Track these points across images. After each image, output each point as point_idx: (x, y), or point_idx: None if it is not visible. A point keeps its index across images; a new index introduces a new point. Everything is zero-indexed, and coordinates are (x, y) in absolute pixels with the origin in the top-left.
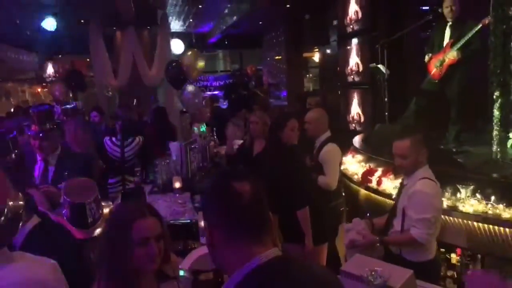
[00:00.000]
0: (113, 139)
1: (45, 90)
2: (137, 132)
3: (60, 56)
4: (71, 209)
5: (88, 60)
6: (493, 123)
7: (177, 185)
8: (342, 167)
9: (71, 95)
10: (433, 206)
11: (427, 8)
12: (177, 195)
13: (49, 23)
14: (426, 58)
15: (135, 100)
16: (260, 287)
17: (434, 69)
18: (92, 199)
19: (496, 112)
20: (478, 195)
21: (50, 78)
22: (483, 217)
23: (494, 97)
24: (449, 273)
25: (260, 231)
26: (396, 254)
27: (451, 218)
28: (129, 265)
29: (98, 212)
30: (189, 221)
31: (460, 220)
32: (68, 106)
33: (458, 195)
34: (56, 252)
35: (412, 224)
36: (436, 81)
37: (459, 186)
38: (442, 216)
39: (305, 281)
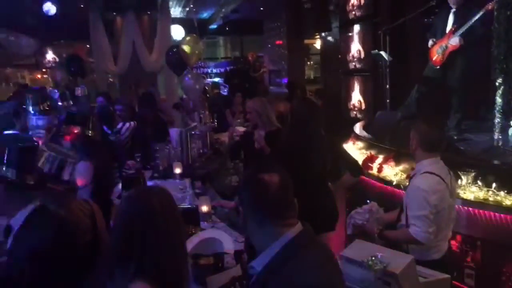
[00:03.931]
0: (104, 127)
1: (44, 76)
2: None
3: (60, 41)
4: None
5: (88, 46)
6: (495, 111)
7: (178, 171)
8: None
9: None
10: (428, 202)
11: None
12: (178, 181)
13: (49, 8)
14: (430, 43)
15: (133, 86)
16: (290, 260)
17: (435, 56)
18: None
19: (498, 100)
20: (479, 182)
21: (50, 64)
22: (484, 204)
23: (497, 84)
24: None
25: (286, 214)
26: (403, 250)
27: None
28: None
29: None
30: (189, 206)
31: (461, 206)
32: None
33: (459, 182)
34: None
35: (411, 222)
36: (438, 67)
37: (460, 173)
38: None
39: (324, 254)
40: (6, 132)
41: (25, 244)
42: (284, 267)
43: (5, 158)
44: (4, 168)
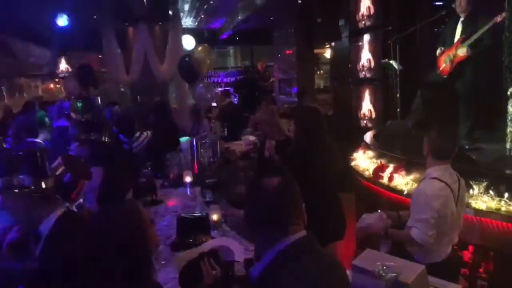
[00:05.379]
0: (120, 136)
1: (57, 86)
2: (146, 127)
3: (73, 52)
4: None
5: (100, 56)
6: (507, 120)
7: (188, 179)
8: (352, 163)
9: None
10: (431, 207)
11: (441, 3)
12: (188, 189)
13: (62, 19)
14: (438, 51)
15: (138, 97)
16: (279, 269)
17: (443, 65)
18: None
19: (510, 109)
20: (491, 192)
21: (63, 74)
22: (496, 214)
23: (508, 93)
24: (461, 270)
25: (285, 220)
26: (407, 251)
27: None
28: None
29: None
30: (200, 215)
31: (473, 216)
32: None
33: (471, 191)
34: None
35: (412, 224)
36: (445, 77)
37: (472, 182)
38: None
39: (319, 264)
40: (28, 139)
41: (54, 250)
42: (271, 277)
43: (19, 167)
44: (20, 177)
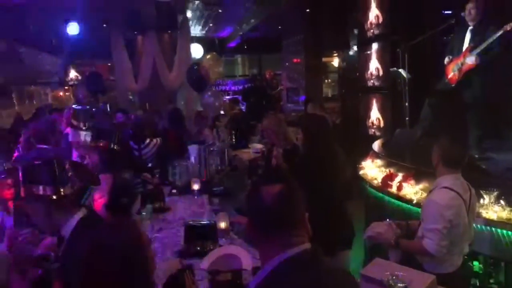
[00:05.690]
0: (131, 142)
1: (67, 93)
2: (155, 134)
3: (83, 60)
4: None
5: (109, 64)
6: None
7: (196, 187)
8: (361, 172)
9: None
10: (443, 217)
11: (450, 12)
12: (196, 197)
13: (72, 28)
14: (446, 60)
15: (147, 105)
16: (275, 284)
17: (451, 73)
18: None
19: None
20: (502, 201)
21: (73, 82)
22: (507, 224)
23: None
24: (472, 281)
25: (286, 231)
26: (417, 262)
27: (474, 224)
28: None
29: None
30: (207, 222)
31: (483, 226)
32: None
33: (482, 201)
34: None
35: (425, 234)
36: (453, 85)
37: (482, 192)
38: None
39: (320, 280)
40: (39, 146)
41: (74, 251)
42: None
43: (39, 176)
44: (41, 187)
